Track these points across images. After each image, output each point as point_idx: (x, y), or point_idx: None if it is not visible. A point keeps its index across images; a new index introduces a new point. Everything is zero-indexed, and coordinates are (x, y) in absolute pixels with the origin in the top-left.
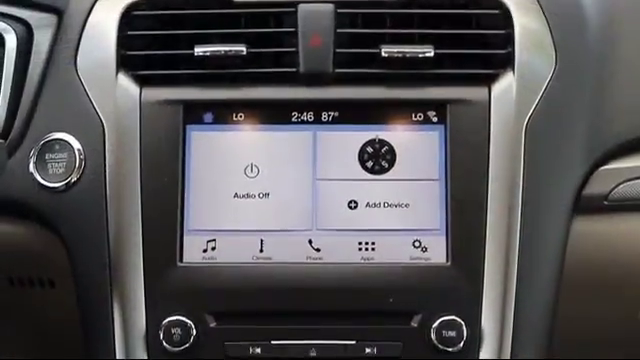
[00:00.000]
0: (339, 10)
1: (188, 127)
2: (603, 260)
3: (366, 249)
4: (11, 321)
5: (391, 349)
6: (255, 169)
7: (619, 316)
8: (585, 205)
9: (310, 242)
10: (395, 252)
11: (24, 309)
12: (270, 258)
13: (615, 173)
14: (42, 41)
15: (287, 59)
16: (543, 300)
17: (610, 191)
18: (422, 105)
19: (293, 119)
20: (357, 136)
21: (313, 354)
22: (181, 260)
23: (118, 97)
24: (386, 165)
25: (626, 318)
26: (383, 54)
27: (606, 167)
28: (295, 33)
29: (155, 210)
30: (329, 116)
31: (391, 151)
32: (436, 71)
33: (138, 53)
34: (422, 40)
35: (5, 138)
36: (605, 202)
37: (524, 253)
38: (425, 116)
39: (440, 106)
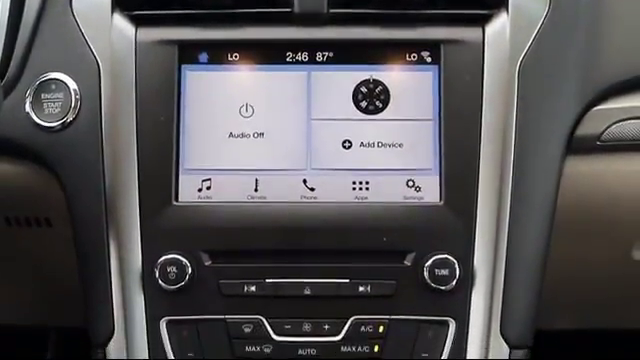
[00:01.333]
0: None
1: (183, 67)
2: (595, 200)
3: (360, 188)
4: (8, 261)
5: (384, 287)
6: (250, 109)
7: (611, 256)
8: (578, 146)
9: (304, 181)
10: (389, 191)
11: (22, 249)
12: (265, 197)
13: (608, 114)
14: None
15: None
16: (535, 239)
17: (602, 132)
18: (416, 45)
19: (287, 59)
20: (351, 76)
21: (307, 292)
22: (176, 199)
23: (113, 37)
24: (380, 105)
25: (618, 258)
26: None
27: (599, 108)
28: None
29: (150, 149)
30: (323, 56)
31: (385, 91)
32: (430, 11)
33: None
34: None
35: (1, 78)
36: (597, 142)
37: (517, 193)
38: (419, 56)
39: (434, 46)
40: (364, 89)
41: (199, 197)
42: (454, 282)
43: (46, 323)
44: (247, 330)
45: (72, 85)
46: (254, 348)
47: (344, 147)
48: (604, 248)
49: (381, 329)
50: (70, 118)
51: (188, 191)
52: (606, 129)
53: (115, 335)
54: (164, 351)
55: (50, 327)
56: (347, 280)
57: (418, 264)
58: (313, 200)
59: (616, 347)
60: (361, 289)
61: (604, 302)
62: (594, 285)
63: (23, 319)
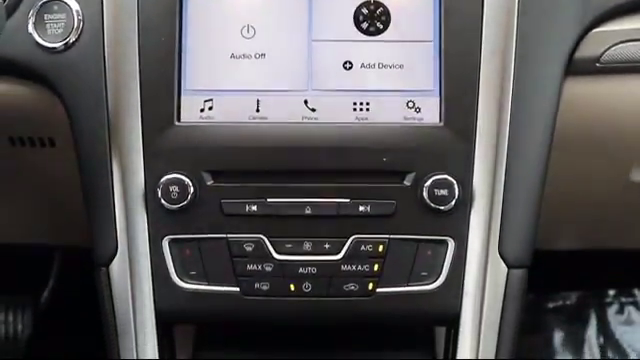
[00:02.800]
0: None
1: None
2: (594, 122)
3: (360, 109)
4: (13, 181)
5: (384, 207)
6: (251, 30)
7: (610, 177)
8: (577, 68)
9: (305, 102)
10: (389, 112)
11: (25, 169)
12: (266, 118)
13: (607, 36)
14: None
15: None
16: (534, 160)
17: (602, 54)
18: None
19: None
20: None
21: (308, 212)
22: (179, 119)
23: None
24: (381, 26)
25: (617, 180)
26: None
27: (598, 30)
28: None
29: (152, 70)
30: None
31: (386, 13)
32: None
33: None
34: None
35: None
36: (597, 64)
37: (516, 113)
38: None
39: None
40: (365, 10)
41: (201, 117)
42: (453, 202)
43: (50, 243)
44: (248, 249)
45: (74, 6)
46: (255, 266)
47: (345, 68)
48: (603, 170)
49: (381, 248)
50: (73, 39)
51: (190, 112)
52: (605, 51)
53: (118, 254)
54: (167, 269)
55: (54, 247)
56: (347, 200)
57: (418, 184)
58: (314, 121)
59: (614, 268)
60: (361, 209)
61: (603, 223)
62: (593, 206)
63: (28, 238)
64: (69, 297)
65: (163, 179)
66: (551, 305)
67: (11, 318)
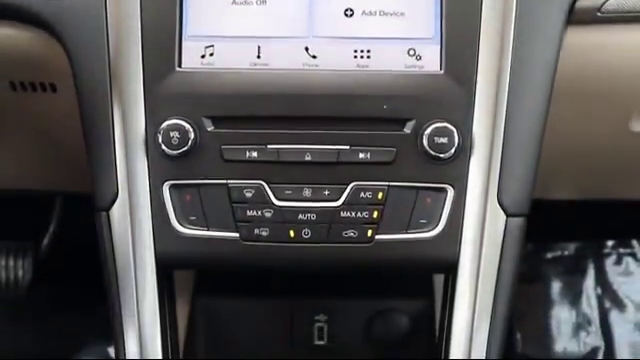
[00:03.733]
0: None
1: None
2: (594, 71)
3: (361, 57)
4: (14, 126)
5: (384, 154)
6: None
7: (610, 127)
8: (578, 17)
9: (306, 49)
10: (390, 60)
11: (27, 115)
12: (267, 64)
13: None
14: None
15: None
16: (534, 109)
17: (603, 3)
18: None
19: None
20: None
21: (308, 158)
22: (180, 65)
23: None
24: None
25: (617, 129)
26: None
27: None
28: None
29: (154, 15)
30: None
31: None
32: None
33: None
34: None
35: None
36: (598, 14)
37: (516, 62)
38: None
39: None
40: None
41: (202, 64)
42: (453, 150)
43: (51, 189)
44: (248, 195)
45: None
46: (255, 212)
47: (346, 15)
48: (603, 120)
49: (380, 195)
50: None
51: (191, 57)
52: (606, 0)
53: (118, 199)
54: (167, 214)
55: (55, 193)
56: (347, 147)
57: (418, 132)
58: (315, 67)
59: (613, 219)
60: (361, 156)
61: (602, 173)
62: (592, 156)
63: (29, 184)
64: (70, 243)
65: (164, 125)
66: (549, 255)
67: (12, 263)
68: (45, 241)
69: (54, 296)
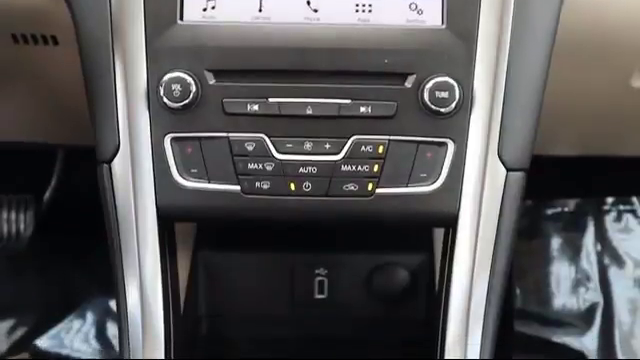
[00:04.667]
0: None
1: None
2: (596, 26)
3: (363, 11)
4: (16, 79)
5: (385, 108)
6: None
7: (611, 83)
8: None
9: (308, 3)
10: (391, 14)
11: (29, 67)
12: (269, 18)
13: None
14: None
15: None
16: (534, 64)
17: None
18: None
19: None
20: None
21: (309, 112)
22: (181, 18)
23: None
24: None
25: (618, 85)
26: None
27: None
28: None
29: None
30: None
31: None
32: None
33: None
34: None
35: None
36: None
37: (518, 17)
38: None
39: None
40: None
41: (203, 17)
42: (453, 104)
43: (54, 142)
44: (250, 148)
45: None
46: (256, 166)
47: None
48: (603, 75)
49: (381, 149)
50: None
51: (193, 10)
52: None
53: (120, 151)
54: (168, 167)
55: (57, 146)
56: (348, 100)
57: (419, 86)
58: (316, 21)
59: (613, 176)
60: (362, 109)
61: (602, 129)
62: (593, 112)
63: (31, 137)
64: (72, 196)
65: (165, 77)
66: (549, 212)
67: (14, 216)
68: (47, 194)
69: (56, 249)
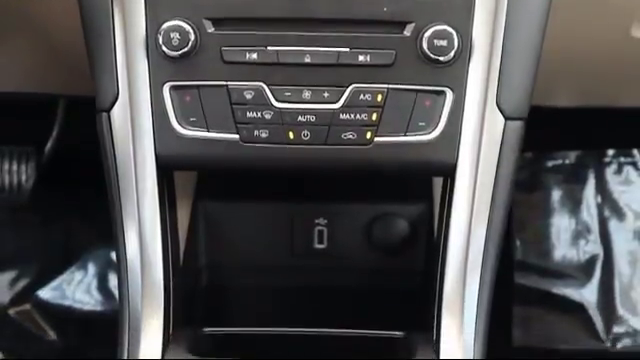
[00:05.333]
0: None
1: None
2: None
3: None
4: (14, 30)
5: (383, 57)
6: None
7: (610, 32)
8: None
9: None
10: None
11: (26, 16)
12: None
13: None
14: None
15: None
16: (534, 12)
17: None
18: None
19: None
20: None
21: (307, 60)
22: None
23: None
24: None
25: (616, 34)
26: None
27: None
28: None
29: None
30: None
31: None
32: None
33: None
34: None
35: None
36: None
37: None
38: None
39: None
40: None
41: None
42: (452, 53)
43: (54, 91)
44: (248, 96)
45: None
46: (255, 114)
47: None
48: (603, 25)
49: (379, 98)
50: None
51: None
52: None
53: (119, 100)
54: (167, 115)
55: (58, 96)
56: (347, 49)
57: (417, 35)
58: None
59: (614, 128)
60: (361, 58)
61: (602, 79)
62: (593, 62)
63: (32, 87)
64: (72, 148)
65: (164, 26)
66: (550, 164)
67: (15, 167)
68: (48, 145)
69: (57, 200)
